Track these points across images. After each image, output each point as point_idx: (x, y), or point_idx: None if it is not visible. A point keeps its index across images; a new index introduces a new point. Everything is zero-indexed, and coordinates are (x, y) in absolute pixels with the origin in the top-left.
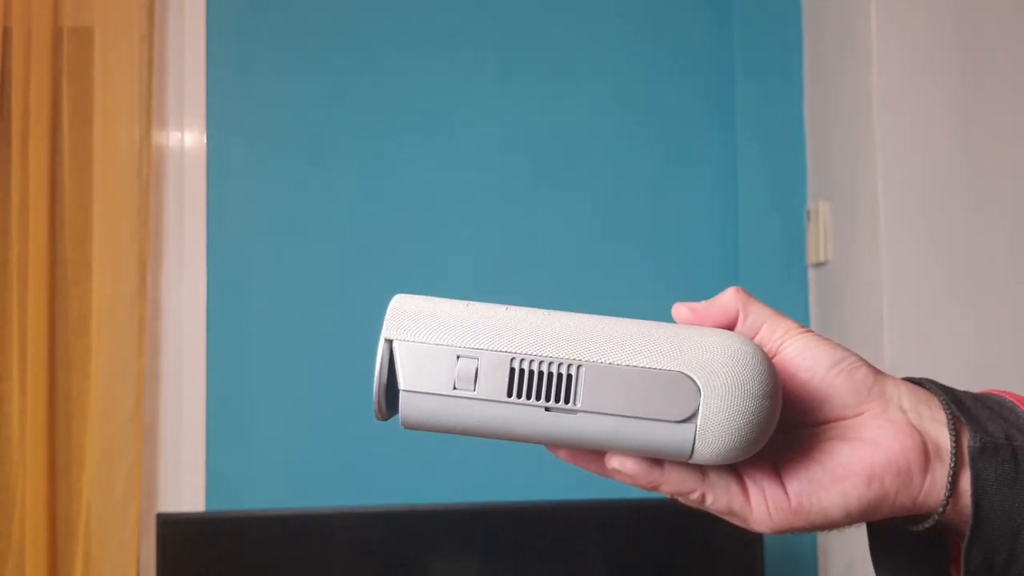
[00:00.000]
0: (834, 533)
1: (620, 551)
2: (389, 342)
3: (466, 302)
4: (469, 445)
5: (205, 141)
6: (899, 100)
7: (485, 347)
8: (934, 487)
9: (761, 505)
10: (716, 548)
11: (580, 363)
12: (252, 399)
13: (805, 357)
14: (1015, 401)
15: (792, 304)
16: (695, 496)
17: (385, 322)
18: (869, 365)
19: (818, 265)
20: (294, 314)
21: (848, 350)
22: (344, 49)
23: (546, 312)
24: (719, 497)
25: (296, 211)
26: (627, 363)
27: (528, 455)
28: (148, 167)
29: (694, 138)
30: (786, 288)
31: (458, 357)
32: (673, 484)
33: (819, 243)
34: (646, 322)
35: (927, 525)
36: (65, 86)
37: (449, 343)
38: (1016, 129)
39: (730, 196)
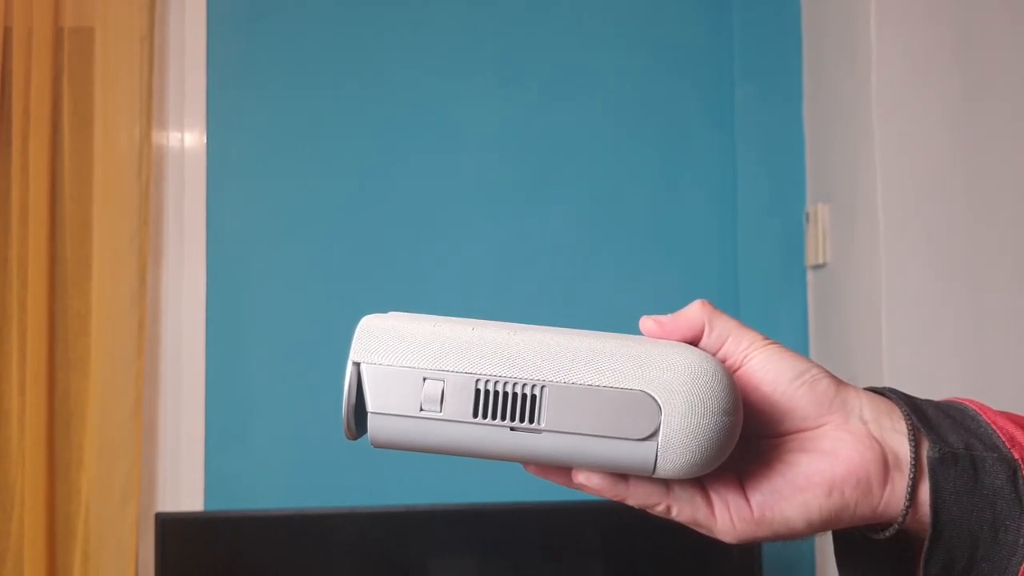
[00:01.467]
0: (832, 540)
1: (620, 551)
2: (357, 364)
3: (434, 320)
4: None
5: (205, 141)
6: (898, 102)
7: (450, 369)
8: (894, 497)
9: (725, 516)
10: (714, 550)
11: (544, 384)
12: (251, 399)
13: (768, 370)
14: (978, 409)
15: (791, 306)
16: (660, 508)
17: (352, 344)
18: (832, 376)
19: (817, 267)
20: (293, 314)
21: (811, 362)
22: (344, 50)
23: (512, 329)
24: (683, 509)
25: (296, 211)
26: (589, 383)
27: None
28: (148, 167)
29: (693, 140)
30: (785, 290)
31: (424, 379)
32: (638, 498)
33: (818, 245)
34: (611, 337)
35: (888, 534)
36: (65, 86)
37: (415, 365)
38: (1015, 132)
39: (729, 198)
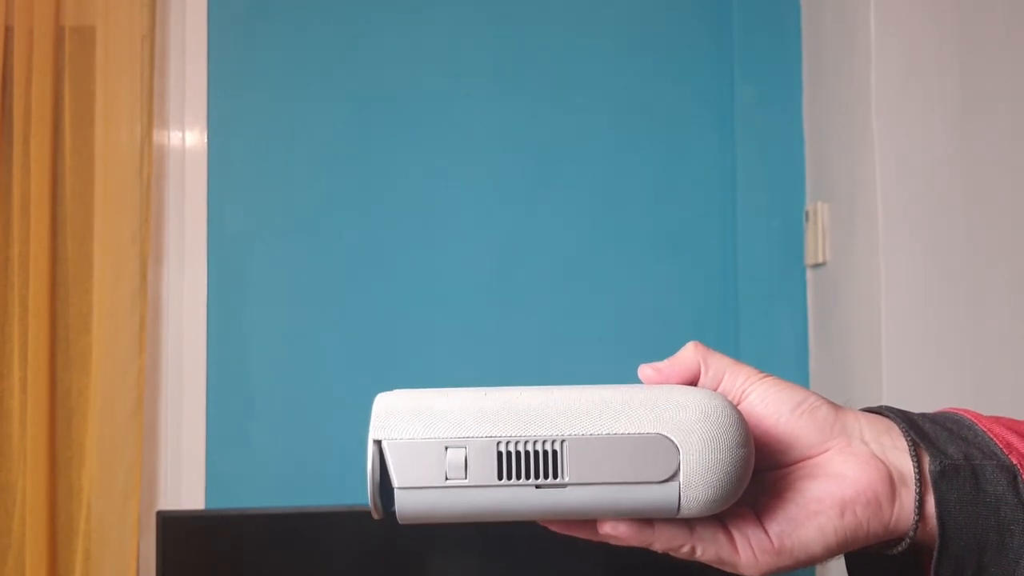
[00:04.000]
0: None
1: (620, 551)
2: (378, 443)
3: (445, 391)
4: None
5: (206, 140)
6: (898, 102)
7: (471, 435)
8: (903, 512)
9: (747, 550)
10: None
11: (563, 438)
12: (252, 397)
13: (768, 404)
14: (973, 419)
15: (790, 305)
16: (685, 550)
17: (372, 423)
18: (829, 403)
19: (816, 266)
20: (294, 313)
21: (807, 391)
22: (345, 50)
23: (522, 391)
24: (707, 548)
25: (296, 210)
26: (607, 432)
27: None
28: (149, 166)
29: (693, 139)
30: (784, 289)
31: (446, 448)
32: (664, 541)
33: (817, 244)
34: (616, 388)
35: (901, 548)
36: (67, 85)
37: (436, 436)
38: (1014, 131)
39: (729, 197)
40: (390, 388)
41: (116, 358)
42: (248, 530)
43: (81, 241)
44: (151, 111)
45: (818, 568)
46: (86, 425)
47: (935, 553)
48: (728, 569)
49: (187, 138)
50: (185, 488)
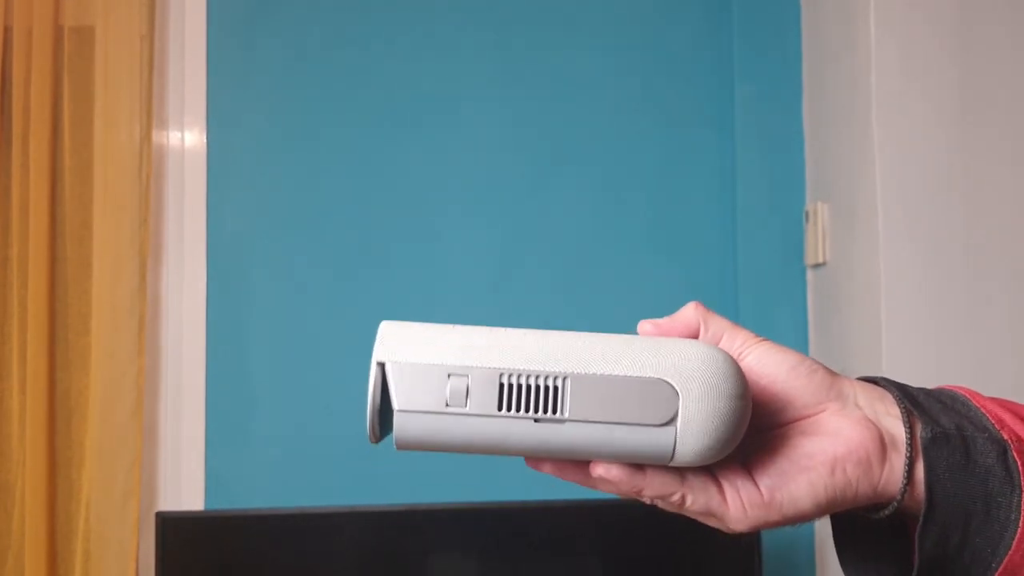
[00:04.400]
0: (830, 534)
1: (619, 551)
2: (381, 365)
3: (452, 325)
4: None
5: (205, 140)
6: (898, 101)
7: (475, 364)
8: (892, 475)
9: (737, 502)
10: (714, 549)
11: (566, 375)
12: (252, 398)
13: (765, 364)
14: (968, 395)
15: (790, 305)
16: (675, 498)
17: (376, 346)
18: (825, 368)
19: (816, 266)
20: (294, 313)
21: (804, 355)
22: (344, 48)
23: (529, 331)
24: (698, 498)
25: (296, 210)
26: (610, 372)
27: None
28: (148, 166)
29: (693, 139)
30: (784, 289)
31: (449, 375)
32: (655, 487)
33: (818, 244)
34: (623, 335)
35: (887, 512)
36: (66, 85)
37: (440, 362)
38: (1014, 131)
39: (729, 197)
40: None
41: (115, 358)
42: (248, 531)
43: (80, 241)
44: (150, 111)
45: (817, 556)
46: (85, 425)
47: (920, 518)
48: (714, 523)
49: (186, 138)
50: (185, 488)
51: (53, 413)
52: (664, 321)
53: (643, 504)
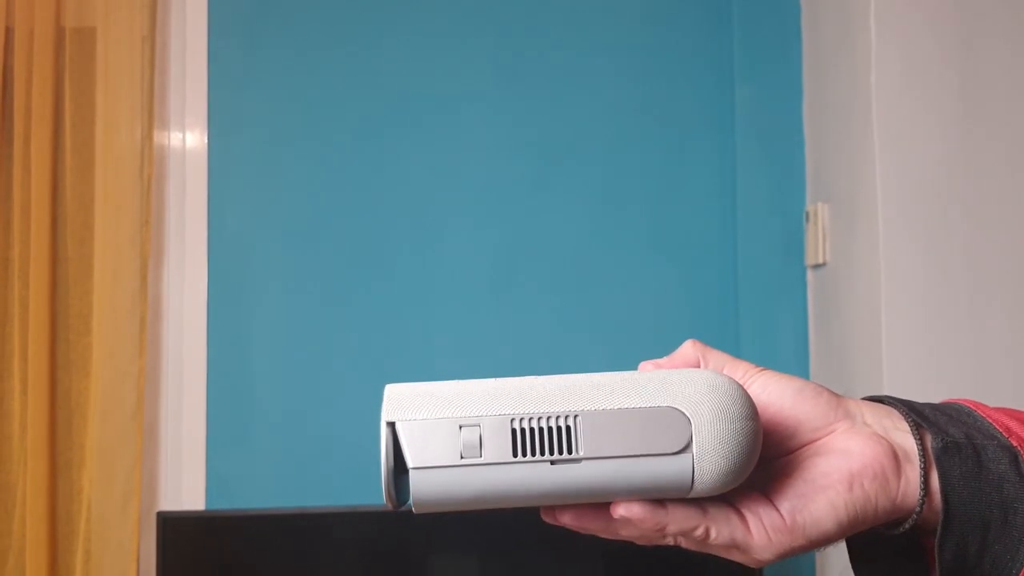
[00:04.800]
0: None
1: (620, 551)
2: (391, 425)
3: (454, 381)
4: None
5: (206, 141)
6: (898, 102)
7: (485, 413)
8: (909, 488)
9: (760, 530)
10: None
11: (576, 413)
12: (252, 398)
13: (770, 392)
14: (973, 407)
15: (791, 306)
16: (699, 532)
17: (384, 407)
18: (829, 390)
19: (817, 267)
20: (294, 314)
21: (807, 380)
22: (345, 49)
23: (532, 377)
24: (721, 529)
25: (297, 211)
26: (619, 406)
27: None
28: (150, 167)
29: (693, 139)
30: (784, 290)
31: (460, 427)
32: (678, 522)
33: (818, 245)
34: (625, 372)
35: (907, 526)
36: (67, 86)
37: (450, 415)
38: (1014, 131)
39: (729, 197)
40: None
41: (116, 359)
42: (248, 531)
43: (81, 242)
44: (151, 112)
45: (818, 559)
46: (86, 426)
47: (939, 528)
48: (738, 557)
49: (187, 139)
50: (185, 489)
51: (54, 414)
52: (664, 360)
53: None
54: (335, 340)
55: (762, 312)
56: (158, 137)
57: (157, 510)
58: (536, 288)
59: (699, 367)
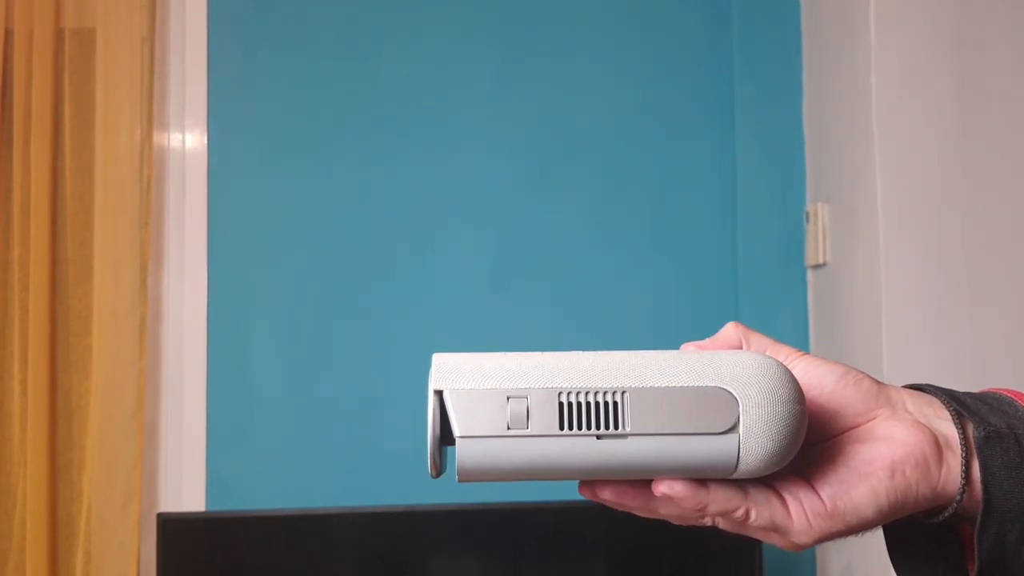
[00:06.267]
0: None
1: (620, 551)
2: (439, 393)
3: (501, 352)
4: None
5: (206, 142)
6: (898, 102)
7: (533, 386)
8: (950, 476)
9: (800, 514)
10: (715, 550)
11: (624, 389)
12: (252, 399)
13: (811, 377)
14: (1013, 396)
15: (791, 306)
16: (740, 513)
17: (431, 376)
18: (871, 377)
19: (817, 267)
20: (294, 315)
21: (848, 366)
22: (345, 50)
23: (580, 352)
24: (762, 511)
25: (297, 212)
26: (667, 384)
27: None
28: (149, 168)
29: (693, 140)
30: (785, 290)
31: (508, 398)
32: (719, 503)
33: (818, 245)
34: (673, 351)
35: (947, 514)
36: (67, 87)
37: (498, 386)
38: (1013, 131)
39: (729, 198)
40: (390, 387)
41: (116, 360)
42: (248, 532)
43: (81, 243)
44: (151, 113)
45: (818, 550)
46: (86, 427)
47: (979, 517)
48: (777, 540)
49: (187, 140)
50: (186, 490)
51: (54, 415)
52: (706, 342)
53: None
54: (334, 341)
55: (762, 312)
56: (158, 138)
57: (157, 511)
58: (536, 288)
59: (742, 348)
